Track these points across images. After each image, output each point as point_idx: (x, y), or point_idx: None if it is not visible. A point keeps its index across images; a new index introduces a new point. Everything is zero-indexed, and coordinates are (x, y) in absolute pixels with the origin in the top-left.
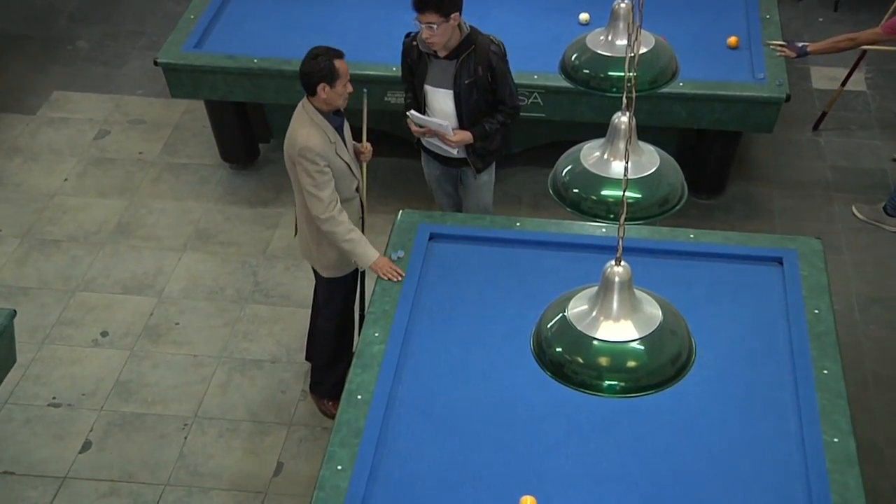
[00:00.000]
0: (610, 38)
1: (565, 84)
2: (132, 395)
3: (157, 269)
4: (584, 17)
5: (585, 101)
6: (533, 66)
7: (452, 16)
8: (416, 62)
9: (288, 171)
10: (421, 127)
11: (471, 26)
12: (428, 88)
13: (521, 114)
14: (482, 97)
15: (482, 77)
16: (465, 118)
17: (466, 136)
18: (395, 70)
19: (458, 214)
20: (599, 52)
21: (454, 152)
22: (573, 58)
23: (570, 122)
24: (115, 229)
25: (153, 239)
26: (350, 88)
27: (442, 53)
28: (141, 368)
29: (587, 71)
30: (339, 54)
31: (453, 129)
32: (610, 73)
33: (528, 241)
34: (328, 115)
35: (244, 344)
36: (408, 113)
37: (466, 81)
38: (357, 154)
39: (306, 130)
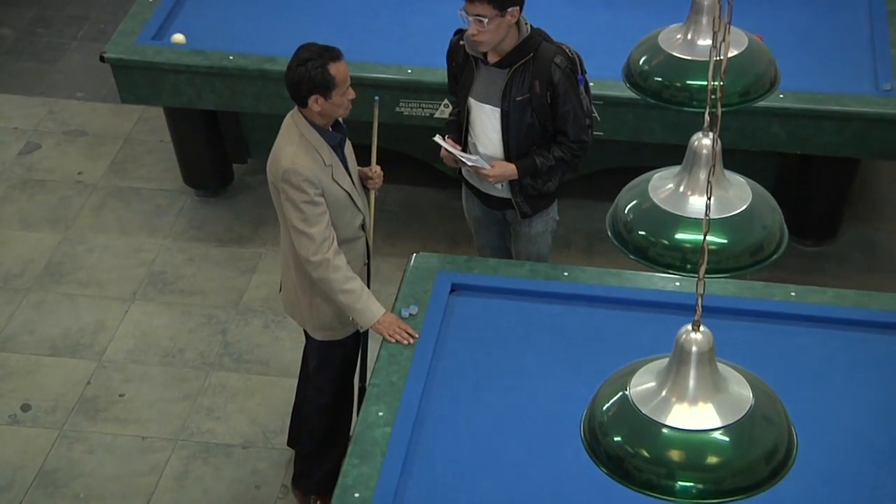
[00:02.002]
0: (690, 36)
1: (630, 94)
2: (60, 490)
3: (98, 324)
4: None
5: (656, 118)
6: (588, 71)
7: (510, 10)
8: (462, 66)
9: (273, 201)
10: (451, 155)
11: (536, 29)
12: (472, 103)
13: None
14: (537, 121)
15: (539, 95)
16: (512, 146)
17: (508, 169)
18: (410, 72)
19: (487, 260)
20: (676, 54)
21: (498, 187)
22: (642, 61)
23: (636, 143)
24: (43, 271)
25: (93, 285)
26: (351, 95)
27: (492, 58)
28: (73, 454)
29: (659, 78)
30: (334, 55)
31: (492, 162)
32: (689, 82)
33: (578, 297)
34: (324, 130)
35: (208, 423)
36: (434, 137)
37: (518, 98)
38: (363, 181)
39: (293, 149)
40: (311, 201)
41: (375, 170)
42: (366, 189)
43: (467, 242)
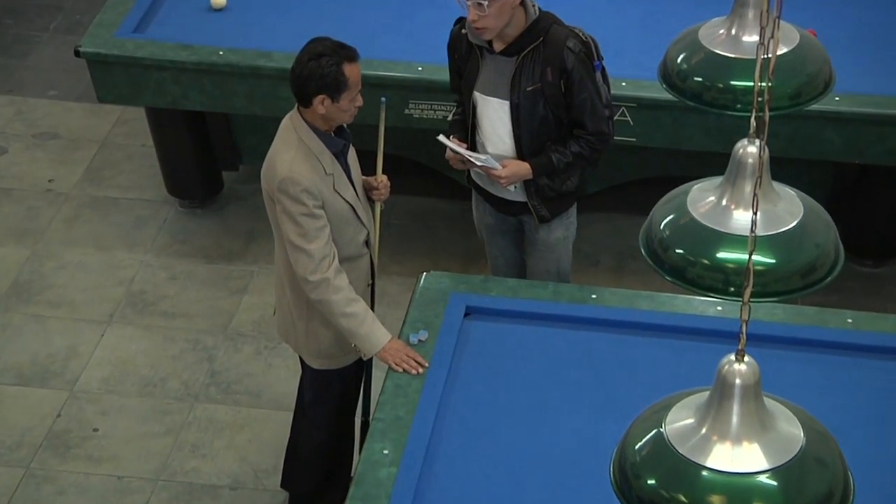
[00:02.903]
0: (734, 31)
1: (667, 96)
2: None
3: (70, 350)
4: None
5: (696, 122)
6: (620, 70)
7: None
8: (465, 58)
9: (267, 213)
10: (458, 156)
11: (545, 11)
12: (478, 97)
13: None
14: (551, 113)
15: (552, 84)
16: (524, 142)
17: (521, 168)
18: (421, 70)
19: (507, 280)
20: (718, 51)
21: (511, 189)
22: (680, 59)
23: (673, 150)
24: (9, 291)
25: (65, 305)
26: (359, 102)
27: (498, 46)
28: (40, 495)
29: (699, 78)
30: (350, 55)
31: (503, 162)
32: (733, 83)
33: (607, 322)
34: (326, 136)
35: (193, 461)
36: (438, 136)
37: (529, 88)
38: (368, 191)
39: (291, 155)
40: (309, 214)
41: (381, 179)
42: (370, 201)
43: (483, 260)
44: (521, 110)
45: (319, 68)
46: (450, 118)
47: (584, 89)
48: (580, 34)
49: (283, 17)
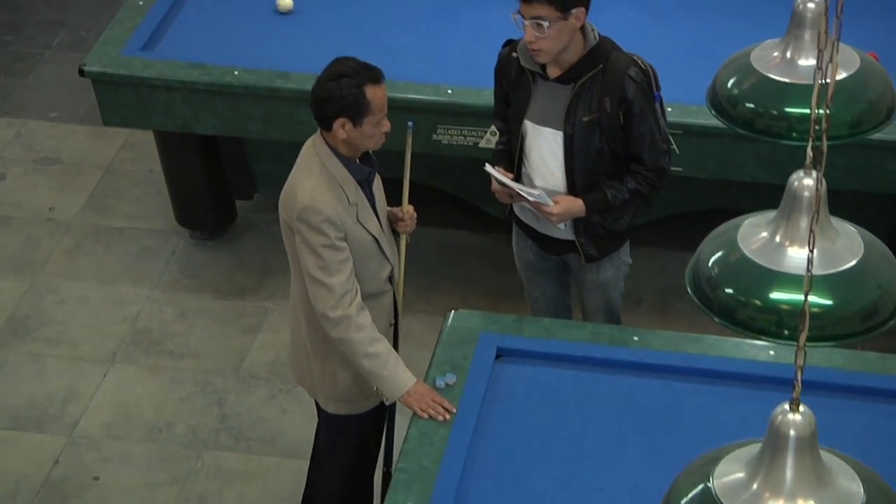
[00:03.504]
0: (789, 54)
1: (716, 123)
2: None
3: (69, 391)
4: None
5: (747, 151)
6: (666, 94)
7: (574, 12)
8: (515, 83)
9: (284, 244)
10: (506, 189)
11: (604, 37)
12: (528, 126)
13: None
14: (607, 146)
15: (610, 115)
16: (577, 176)
17: (574, 206)
18: (451, 93)
19: (541, 320)
20: (772, 75)
21: (560, 227)
22: (731, 83)
23: (723, 181)
24: (5, 327)
25: (64, 343)
26: (386, 127)
27: (553, 72)
28: None
29: (751, 104)
30: (374, 76)
31: (554, 198)
32: (788, 110)
33: (651, 366)
34: (350, 162)
35: None
36: (485, 166)
37: (585, 119)
38: (393, 223)
39: (313, 182)
40: (331, 246)
41: (407, 210)
42: (395, 233)
43: (516, 298)
44: (576, 142)
45: (339, 89)
46: (494, 147)
47: (644, 121)
48: (640, 62)
49: (303, 35)
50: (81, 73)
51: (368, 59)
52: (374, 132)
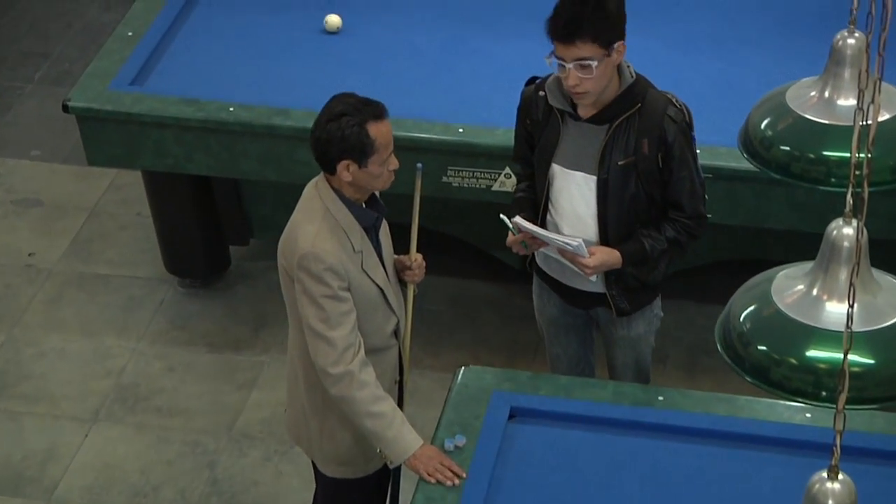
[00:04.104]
0: (827, 93)
1: (748, 167)
2: None
3: (48, 452)
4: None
5: (782, 197)
6: (696, 136)
7: (615, 46)
8: (541, 124)
9: (282, 294)
10: (533, 240)
11: (640, 74)
12: (557, 170)
13: None
14: (643, 192)
15: (648, 158)
16: (609, 224)
17: (611, 257)
18: (462, 132)
19: (558, 378)
20: (809, 116)
21: (592, 279)
22: (764, 124)
23: (755, 230)
24: None
25: (43, 400)
26: (394, 164)
27: (585, 112)
28: None
29: (787, 147)
30: (377, 113)
31: (589, 249)
32: (826, 153)
33: (676, 429)
34: (355, 207)
35: None
36: (512, 219)
37: (621, 163)
38: (400, 272)
39: (315, 227)
40: (334, 296)
41: (415, 259)
42: (402, 283)
43: (531, 353)
44: (610, 187)
45: (340, 130)
46: (514, 193)
47: (684, 165)
48: (675, 101)
49: (302, 69)
50: (65, 108)
51: (373, 95)
52: (381, 171)
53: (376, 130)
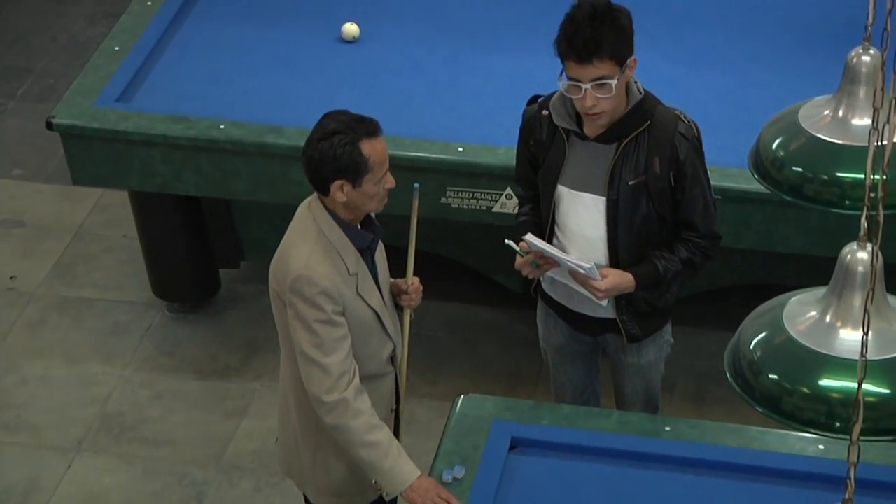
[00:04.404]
0: (841, 112)
1: (759, 188)
2: None
3: (30, 483)
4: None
5: (794, 220)
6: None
7: (629, 62)
8: (545, 144)
9: (274, 319)
10: (544, 259)
11: (647, 91)
12: (563, 192)
13: None
14: (655, 212)
15: (660, 177)
16: (620, 246)
17: (624, 281)
18: (461, 151)
19: (561, 407)
20: (822, 136)
21: (602, 304)
22: (776, 144)
23: (766, 253)
24: None
25: (25, 429)
26: (390, 183)
27: (592, 131)
28: None
29: (799, 168)
30: (370, 130)
31: (601, 271)
32: (840, 175)
33: (684, 460)
34: (350, 228)
35: None
36: (523, 238)
37: (631, 182)
38: (396, 297)
39: (309, 250)
40: (328, 321)
41: (412, 282)
42: (398, 308)
43: (533, 381)
44: (620, 208)
45: (332, 149)
46: (517, 217)
47: (696, 183)
48: (684, 117)
49: (296, 85)
50: (49, 125)
51: (370, 111)
52: (376, 191)
53: (370, 148)
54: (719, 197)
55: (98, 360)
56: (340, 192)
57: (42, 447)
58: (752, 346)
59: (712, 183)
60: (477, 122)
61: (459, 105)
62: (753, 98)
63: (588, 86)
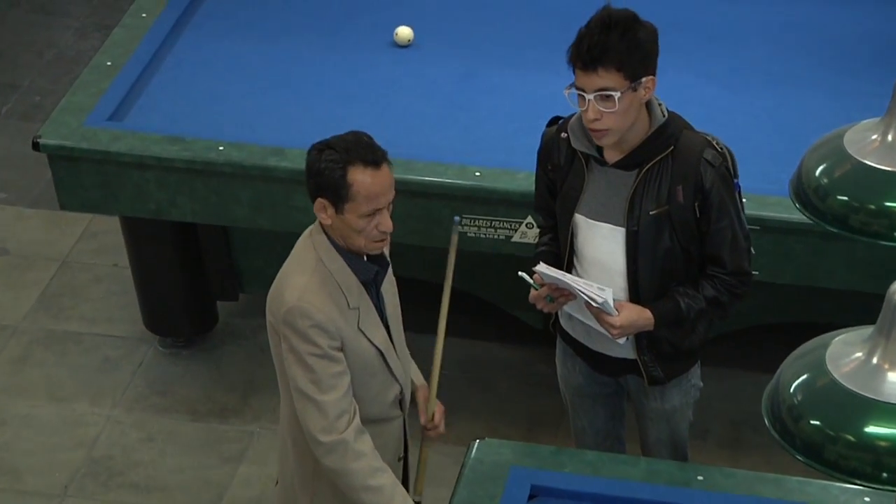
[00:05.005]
0: (890, 137)
1: (801, 218)
2: None
3: None
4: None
5: (838, 253)
6: (741, 182)
7: (643, 81)
8: (564, 170)
9: (272, 353)
10: (559, 291)
11: (673, 113)
12: (580, 221)
13: None
14: (679, 245)
15: (684, 207)
16: (641, 280)
17: (641, 317)
18: (479, 175)
19: (585, 453)
20: (869, 162)
21: (620, 342)
22: (819, 171)
23: (807, 289)
24: None
25: (6, 474)
26: (385, 226)
27: (612, 156)
28: None
29: (844, 197)
30: (367, 158)
31: (617, 305)
32: (888, 204)
33: None
34: (352, 258)
35: None
36: (535, 268)
37: (652, 212)
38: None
39: (305, 280)
40: (323, 356)
41: (436, 413)
42: (422, 435)
43: (554, 425)
44: (641, 239)
45: (318, 162)
46: (536, 247)
47: (724, 215)
48: (715, 144)
49: (300, 105)
50: (35, 146)
51: (380, 133)
52: (362, 227)
53: (359, 177)
54: (757, 228)
55: (85, 399)
56: (324, 212)
57: (24, 493)
58: (792, 390)
59: (751, 213)
60: (495, 145)
61: (476, 126)
62: (795, 121)
63: (591, 96)
